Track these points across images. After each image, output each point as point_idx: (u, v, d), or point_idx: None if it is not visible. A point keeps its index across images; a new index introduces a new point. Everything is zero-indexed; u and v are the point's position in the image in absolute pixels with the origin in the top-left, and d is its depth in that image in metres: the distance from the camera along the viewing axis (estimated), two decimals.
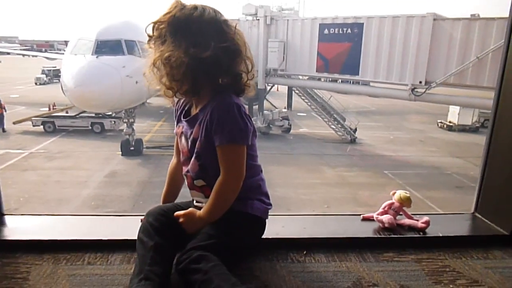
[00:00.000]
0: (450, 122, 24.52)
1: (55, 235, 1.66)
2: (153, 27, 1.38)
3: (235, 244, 1.46)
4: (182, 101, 1.58)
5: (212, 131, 1.41)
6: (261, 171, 1.60)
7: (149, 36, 1.40)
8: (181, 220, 1.46)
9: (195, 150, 1.48)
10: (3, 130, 19.99)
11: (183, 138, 1.55)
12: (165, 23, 1.36)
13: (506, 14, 1.81)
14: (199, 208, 1.51)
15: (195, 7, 1.37)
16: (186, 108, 1.57)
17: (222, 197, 1.45)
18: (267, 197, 1.61)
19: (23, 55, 44.07)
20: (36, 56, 39.62)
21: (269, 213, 1.61)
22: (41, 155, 16.59)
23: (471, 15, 15.70)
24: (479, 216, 1.98)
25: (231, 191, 1.44)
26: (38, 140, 18.85)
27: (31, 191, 12.48)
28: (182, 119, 1.57)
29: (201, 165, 1.49)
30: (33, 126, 20.31)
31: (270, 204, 1.60)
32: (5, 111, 20.71)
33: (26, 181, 13.41)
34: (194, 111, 1.52)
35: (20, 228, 1.77)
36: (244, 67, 1.45)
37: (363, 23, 17.59)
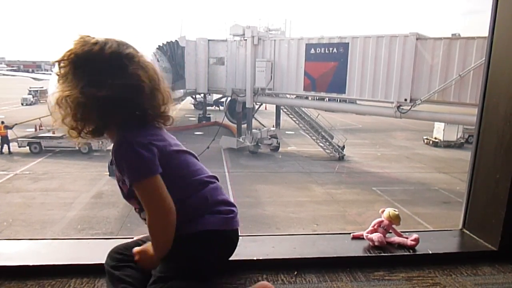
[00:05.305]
0: (435, 138, 24.94)
1: (39, 260, 1.61)
2: (58, 65, 1.31)
3: (199, 266, 1.39)
4: None
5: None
6: (204, 182, 1.46)
7: (56, 74, 1.32)
8: (136, 258, 1.38)
9: (126, 190, 1.42)
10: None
11: None
12: (66, 62, 1.29)
13: (486, 34, 1.87)
14: None
15: (96, 42, 1.29)
16: None
17: (157, 234, 1.36)
18: (224, 204, 1.48)
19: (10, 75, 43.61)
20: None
21: (240, 223, 1.49)
22: (26, 177, 16.26)
23: (452, 34, 16.19)
24: (467, 232, 1.99)
25: (161, 226, 1.35)
26: (24, 161, 18.53)
27: (15, 213, 12.17)
28: None
29: (139, 203, 1.39)
30: (19, 147, 19.99)
31: (231, 211, 1.48)
32: None
33: (9, 204, 13.08)
34: None
35: (2, 253, 1.70)
36: (154, 101, 1.36)
37: (348, 43, 17.97)
